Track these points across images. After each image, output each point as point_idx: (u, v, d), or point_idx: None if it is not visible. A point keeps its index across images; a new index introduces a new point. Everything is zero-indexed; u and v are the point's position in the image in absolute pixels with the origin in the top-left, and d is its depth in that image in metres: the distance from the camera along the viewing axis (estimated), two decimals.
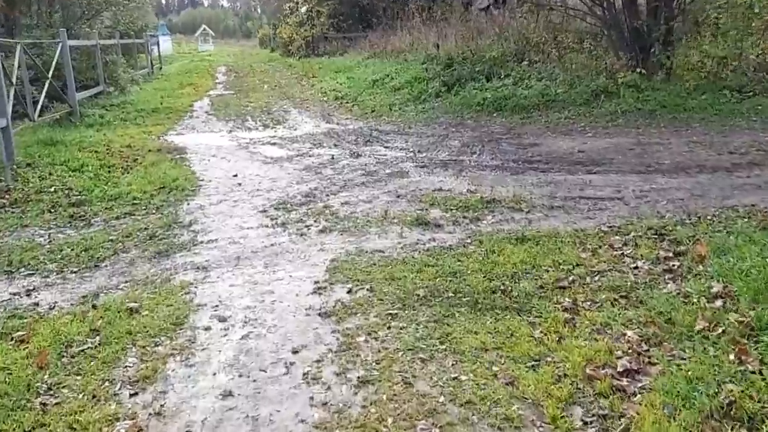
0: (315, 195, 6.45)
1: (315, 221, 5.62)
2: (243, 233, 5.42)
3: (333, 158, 8.23)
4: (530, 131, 8.91)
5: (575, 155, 7.35)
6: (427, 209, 5.74)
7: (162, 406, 2.93)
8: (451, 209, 5.66)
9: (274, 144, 9.70)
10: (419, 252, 4.72)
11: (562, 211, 5.44)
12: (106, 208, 6.45)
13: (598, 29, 11.19)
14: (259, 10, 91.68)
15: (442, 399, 2.85)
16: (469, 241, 4.89)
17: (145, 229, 5.69)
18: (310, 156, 8.52)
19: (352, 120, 11.79)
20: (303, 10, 33.39)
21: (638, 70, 9.45)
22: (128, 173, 7.87)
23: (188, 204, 6.37)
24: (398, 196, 6.19)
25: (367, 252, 4.78)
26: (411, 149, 8.51)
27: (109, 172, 7.99)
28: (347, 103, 13.67)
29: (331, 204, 6.08)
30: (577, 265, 4.28)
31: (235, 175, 7.46)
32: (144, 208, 6.37)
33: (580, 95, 9.54)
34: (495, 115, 9.99)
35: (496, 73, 11.58)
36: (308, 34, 30.29)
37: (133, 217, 6.13)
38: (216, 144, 9.98)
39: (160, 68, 27.70)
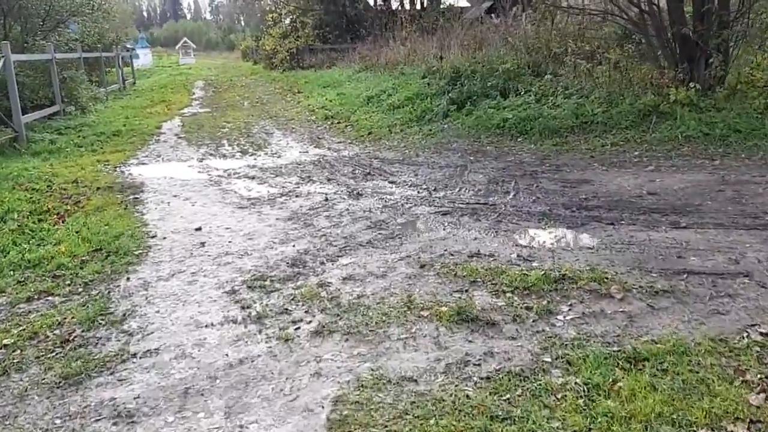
0: (305, 262, 4.67)
1: (306, 312, 3.85)
2: (199, 337, 3.63)
3: (327, 199, 6.47)
4: (571, 162, 7.19)
5: (645, 199, 5.64)
6: (467, 290, 3.98)
7: None
8: (505, 291, 3.91)
9: (253, 177, 7.92)
10: (473, 383, 2.97)
11: (673, 298, 3.70)
12: (17, 282, 4.65)
13: (636, 36, 9.55)
14: (242, 23, 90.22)
15: None
16: (547, 358, 3.14)
17: (60, 324, 3.91)
18: (297, 196, 6.74)
19: (345, 144, 10.04)
20: (287, 21, 31.76)
21: (692, 85, 7.80)
22: (62, 224, 6.04)
23: (128, 279, 4.56)
24: (422, 266, 4.43)
25: (390, 382, 3.02)
26: (424, 186, 6.76)
27: (39, 221, 6.17)
28: (339, 123, 11.91)
29: (329, 280, 4.31)
30: (754, 421, 2.54)
31: (199, 229, 5.65)
32: (68, 283, 4.56)
33: (625, 116, 7.87)
34: (520, 139, 8.29)
35: (513, 89, 9.91)
36: (292, 46, 28.59)
37: (49, 300, 4.33)
38: (182, 177, 8.18)
39: (134, 83, 25.84)
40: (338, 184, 7.20)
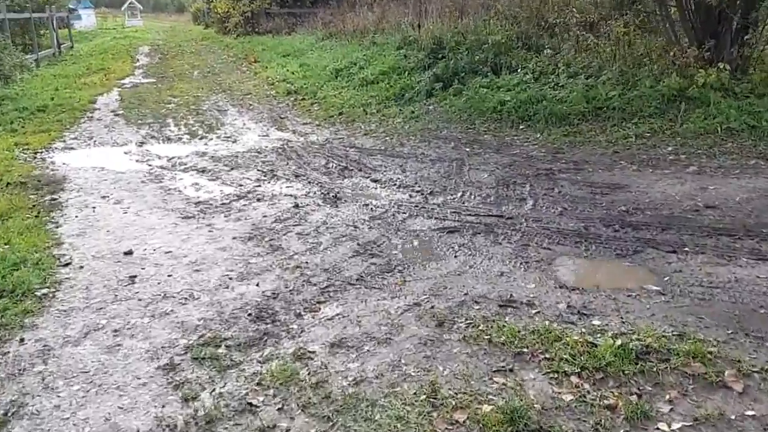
0: (274, 314, 3.38)
1: (281, 411, 2.59)
2: None
3: (297, 206, 5.15)
4: (591, 158, 5.99)
5: (704, 214, 4.49)
6: (513, 369, 2.78)
7: None
8: (568, 374, 2.72)
9: (203, 170, 6.51)
10: None
11: None
12: None
13: (640, 5, 8.38)
14: None
15: None
16: None
17: None
18: (258, 200, 5.39)
19: (313, 127, 8.66)
20: None
21: (721, 65, 6.69)
22: None
23: (22, 341, 3.20)
24: (440, 323, 3.19)
25: None
26: (416, 187, 5.50)
27: None
28: (304, 99, 10.47)
29: (310, 347, 3.04)
30: None
31: (129, 252, 4.26)
32: None
33: (647, 101, 6.71)
34: (522, 127, 7.06)
35: (506, 65, 8.65)
36: (247, 9, 26.51)
37: None
38: (115, 169, 6.71)
39: (71, 48, 23.53)
40: (309, 182, 5.87)
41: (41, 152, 7.66)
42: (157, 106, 10.57)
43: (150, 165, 6.93)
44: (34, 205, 5.44)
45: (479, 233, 4.28)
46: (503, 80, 8.16)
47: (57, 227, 4.83)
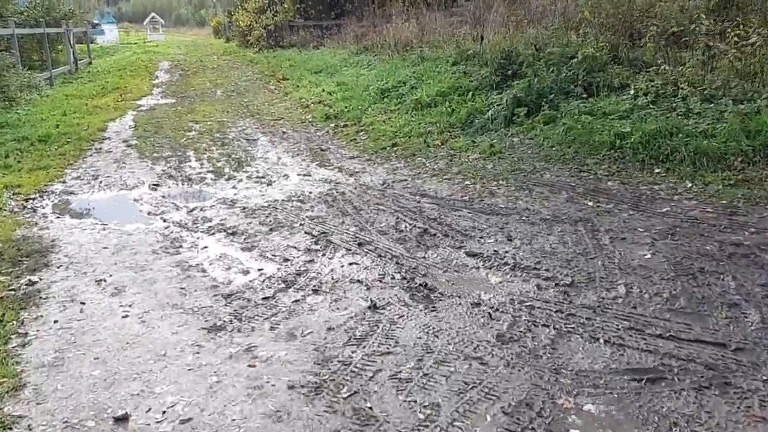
0: None
1: None
2: None
3: (374, 307, 3.50)
4: None
5: None
6: None
7: None
8: None
9: (234, 234, 4.91)
10: None
11: None
12: None
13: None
14: None
15: None
16: None
17: None
18: (315, 292, 3.77)
19: (364, 162, 7.05)
20: None
21: None
22: None
23: None
24: None
25: None
26: (542, 270, 3.82)
27: None
28: (346, 126, 8.86)
29: None
30: None
31: (124, 419, 2.62)
32: None
33: None
34: (658, 170, 5.23)
35: (603, 83, 6.96)
36: (270, 22, 25.18)
37: None
38: (120, 228, 5.16)
39: (90, 63, 22.31)
40: (380, 256, 4.23)
41: (33, 199, 6.15)
42: (176, 134, 9.04)
43: (165, 220, 5.36)
44: (7, 293, 3.87)
45: (704, 387, 2.57)
46: (606, 103, 6.46)
47: (23, 345, 3.24)
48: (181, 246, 4.69)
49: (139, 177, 6.91)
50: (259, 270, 4.16)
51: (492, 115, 7.17)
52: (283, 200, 5.80)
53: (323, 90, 11.17)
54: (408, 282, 3.80)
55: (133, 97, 13.10)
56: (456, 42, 10.34)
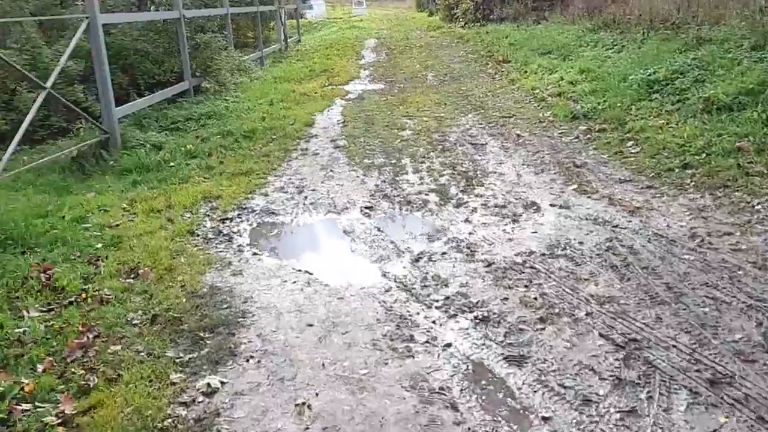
0: None
1: None
2: None
3: None
4: None
5: None
6: None
7: None
8: None
9: (486, 320, 3.35)
10: None
11: None
12: None
13: None
14: None
15: None
16: None
17: None
18: None
19: (643, 190, 5.09)
20: None
21: None
22: None
23: None
24: None
25: None
26: None
27: None
28: (604, 131, 6.85)
29: None
30: None
31: None
32: None
33: None
34: None
35: None
36: None
37: None
38: (328, 282, 3.85)
39: (299, 41, 22.32)
40: (759, 419, 2.36)
41: (230, 219, 5.13)
42: (388, 133, 7.71)
43: (385, 274, 3.94)
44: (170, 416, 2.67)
45: None
46: None
47: None
48: (411, 339, 3.20)
49: (349, 194, 5.65)
50: (544, 419, 2.51)
51: None
52: (542, 254, 4.09)
53: (561, 78, 9.15)
54: None
55: (340, 81, 12.16)
56: (746, 15, 7.67)
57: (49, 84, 6.13)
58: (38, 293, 3.88)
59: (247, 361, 3.07)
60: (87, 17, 6.83)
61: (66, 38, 8.11)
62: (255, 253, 4.47)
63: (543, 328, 3.19)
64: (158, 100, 8.72)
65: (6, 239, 4.58)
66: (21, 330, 3.35)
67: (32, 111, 6.01)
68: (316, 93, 10.72)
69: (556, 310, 3.35)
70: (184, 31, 9.76)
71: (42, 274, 4.11)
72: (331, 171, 6.41)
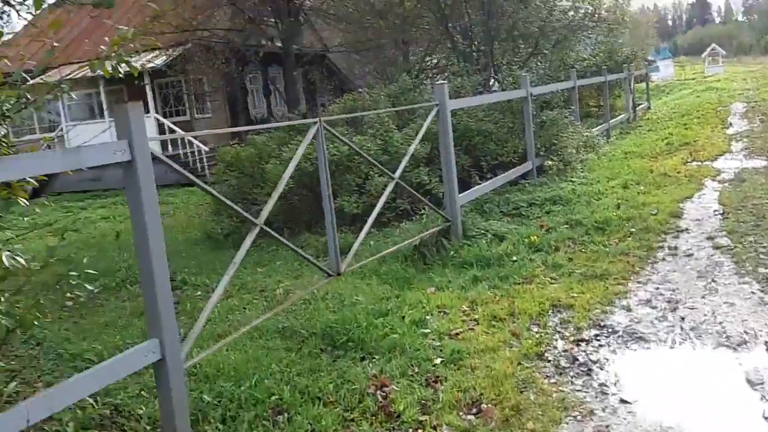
0: None
1: None
2: None
3: None
4: None
5: None
6: None
7: None
8: None
9: None
10: None
11: None
12: None
13: None
14: None
15: None
16: None
17: None
18: None
19: None
20: None
21: None
22: None
23: None
24: None
25: None
26: None
27: None
28: None
29: None
30: None
31: None
32: None
33: None
34: None
35: None
36: None
37: None
38: None
39: (648, 108, 20.56)
40: None
41: (586, 341, 4.21)
42: None
43: None
44: None
45: None
46: None
47: None
48: None
49: (745, 319, 4.25)
50: None
51: None
52: None
53: None
54: None
55: (707, 156, 10.35)
56: None
57: (397, 174, 6.16)
58: (373, 417, 3.50)
59: None
60: (437, 104, 6.81)
61: (415, 123, 8.39)
62: (623, 401, 3.46)
63: None
64: (500, 183, 8.36)
65: (348, 341, 4.42)
66: None
67: (382, 199, 6.04)
68: (678, 172, 9.18)
69: None
70: (531, 108, 9.36)
71: (379, 391, 3.75)
72: (714, 281, 5.02)
